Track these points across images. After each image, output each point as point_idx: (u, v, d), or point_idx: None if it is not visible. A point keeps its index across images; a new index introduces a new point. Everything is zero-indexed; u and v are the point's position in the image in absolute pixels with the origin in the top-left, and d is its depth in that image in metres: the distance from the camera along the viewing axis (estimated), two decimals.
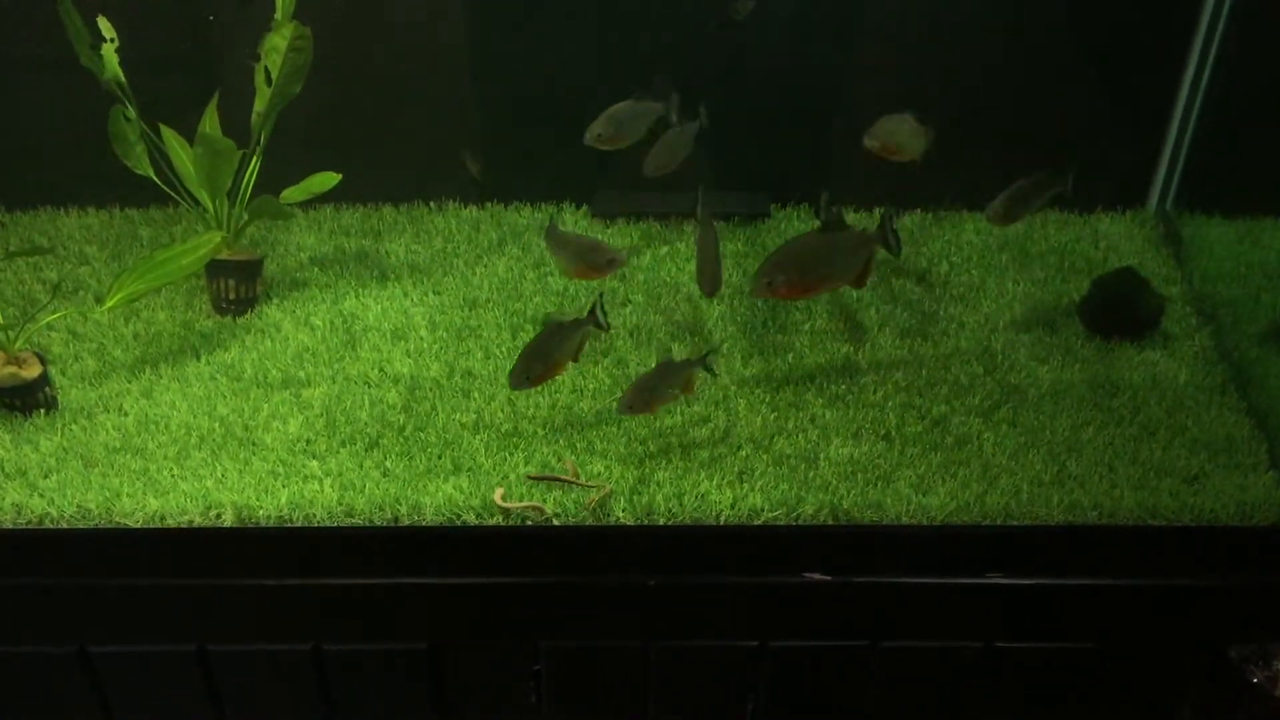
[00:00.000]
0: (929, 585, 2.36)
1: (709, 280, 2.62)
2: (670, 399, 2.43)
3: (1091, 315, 2.79)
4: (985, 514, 2.32)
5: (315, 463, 2.39)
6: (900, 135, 2.64)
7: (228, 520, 2.29)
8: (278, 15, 2.59)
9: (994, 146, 3.18)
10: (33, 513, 2.28)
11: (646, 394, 2.35)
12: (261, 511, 2.29)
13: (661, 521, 2.31)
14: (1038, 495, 2.33)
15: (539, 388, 2.52)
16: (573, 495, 2.32)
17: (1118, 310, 2.76)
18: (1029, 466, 2.40)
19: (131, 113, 2.66)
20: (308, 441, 2.45)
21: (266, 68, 2.63)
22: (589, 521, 2.30)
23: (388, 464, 2.39)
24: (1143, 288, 2.77)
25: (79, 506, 2.28)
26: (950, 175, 3.22)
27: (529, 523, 2.30)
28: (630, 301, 2.89)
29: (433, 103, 3.17)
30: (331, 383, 2.61)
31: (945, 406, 2.55)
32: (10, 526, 2.28)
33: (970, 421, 2.51)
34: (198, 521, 2.29)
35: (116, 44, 2.59)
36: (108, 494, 2.30)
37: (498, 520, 2.30)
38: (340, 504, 2.30)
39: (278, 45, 2.60)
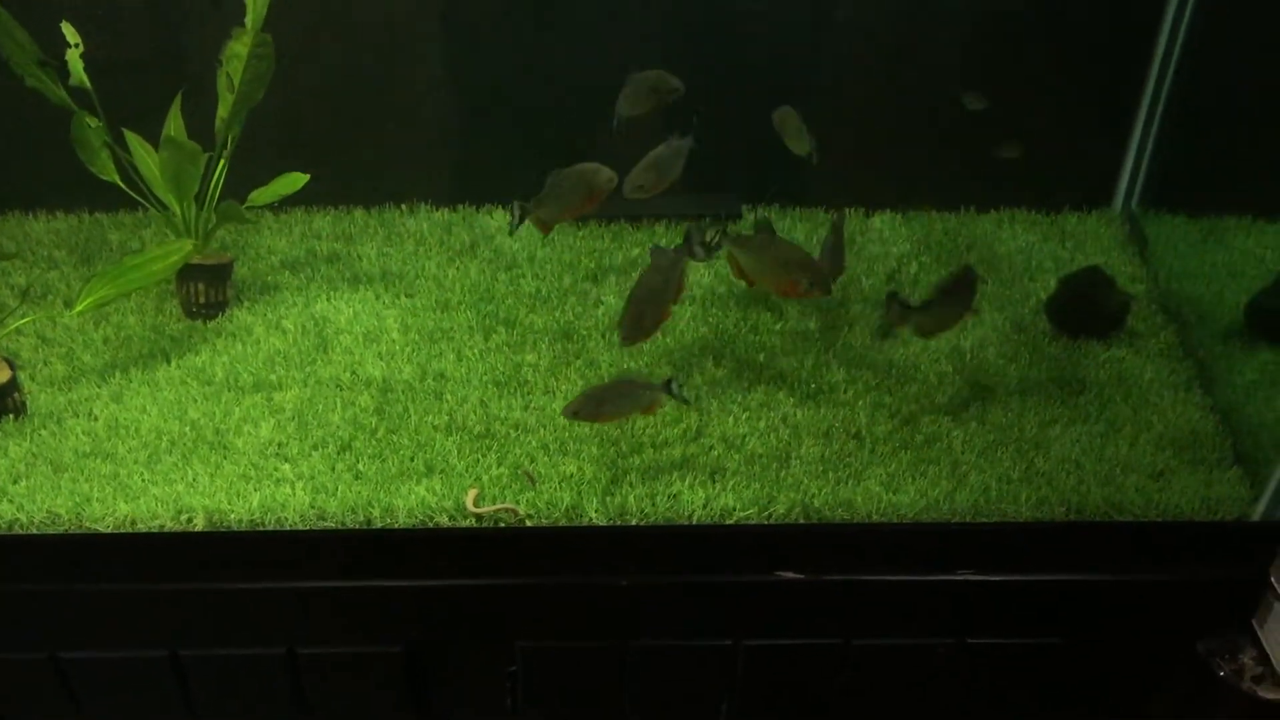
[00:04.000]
0: (900, 582, 2.37)
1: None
2: (623, 416, 2.39)
3: (1058, 313, 2.82)
4: (955, 511, 2.34)
5: (287, 466, 2.38)
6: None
7: (199, 524, 2.28)
8: (248, 22, 2.58)
9: (961, 148, 3.21)
10: (1, 518, 2.27)
11: (594, 405, 2.31)
12: (233, 515, 2.28)
13: (634, 522, 2.32)
14: (1006, 492, 2.36)
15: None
16: (544, 496, 2.32)
17: (1084, 308, 2.79)
18: (998, 464, 2.43)
19: (94, 120, 2.64)
20: (279, 445, 2.44)
21: (229, 74, 2.62)
22: (562, 522, 2.31)
23: (360, 466, 2.39)
24: (1109, 286, 2.80)
25: (48, 512, 2.27)
26: (919, 176, 3.26)
27: (502, 524, 2.30)
28: (602, 303, 2.90)
29: (406, 105, 3.17)
30: (303, 386, 2.61)
31: (915, 405, 2.57)
32: None
33: (939, 420, 2.54)
34: (169, 526, 2.28)
35: (81, 49, 2.58)
36: (77, 499, 2.29)
37: (471, 522, 2.30)
38: (312, 507, 2.29)
39: (239, 53, 2.59)
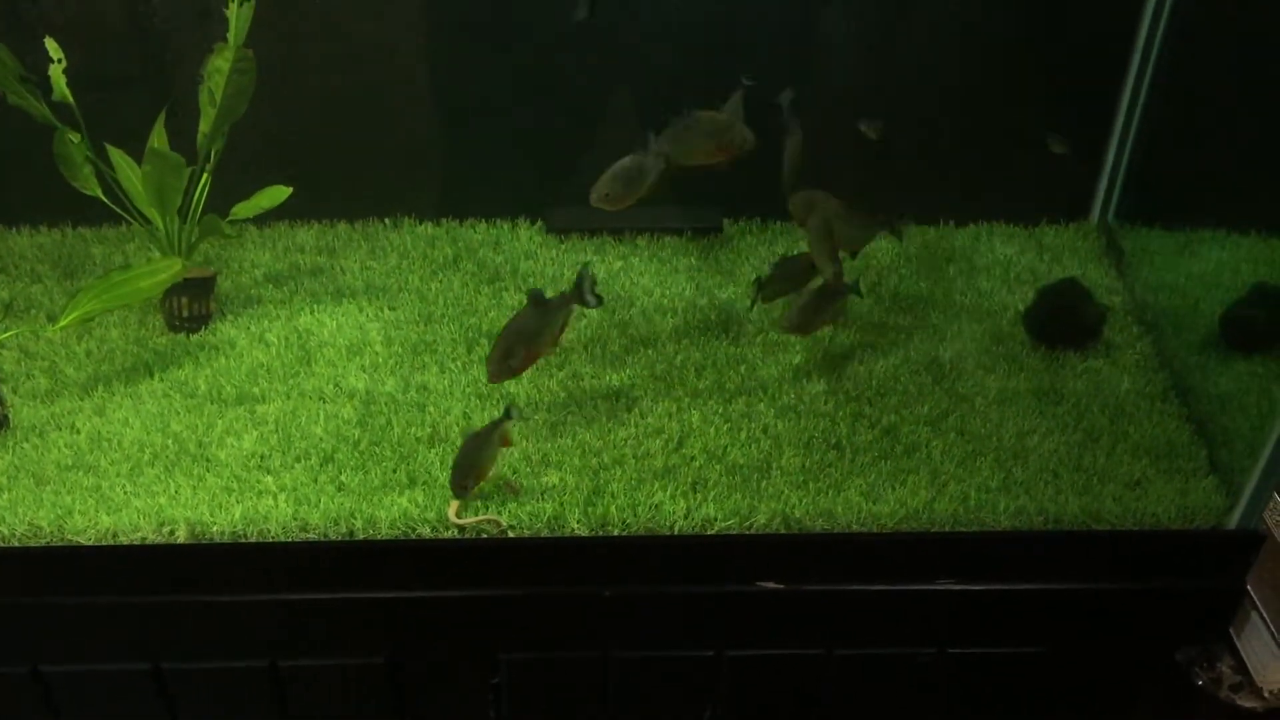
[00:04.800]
0: (881, 592, 2.39)
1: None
2: (494, 461, 2.38)
3: (1036, 325, 2.84)
4: (934, 521, 2.36)
5: (270, 478, 2.39)
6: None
7: (181, 537, 2.28)
8: (230, 37, 2.60)
9: (939, 161, 3.24)
10: None
11: (473, 473, 2.32)
12: (215, 527, 2.29)
13: (616, 532, 2.33)
14: (985, 502, 2.37)
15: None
16: (527, 508, 2.33)
17: (1062, 320, 2.81)
18: (976, 473, 2.45)
19: (76, 135, 2.65)
20: (262, 457, 2.45)
21: (210, 89, 2.63)
22: (545, 533, 2.32)
23: (343, 478, 2.39)
24: (1086, 298, 2.83)
25: (30, 524, 2.27)
26: (899, 190, 3.29)
27: (485, 535, 2.31)
28: (584, 315, 2.91)
29: (388, 119, 3.18)
30: (286, 398, 2.62)
31: (895, 416, 2.59)
32: None
33: (919, 430, 2.56)
34: (151, 538, 2.28)
35: (64, 65, 2.59)
36: (60, 511, 2.29)
37: (453, 533, 2.31)
38: (295, 519, 2.30)
39: (220, 68, 2.61)
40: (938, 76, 3.15)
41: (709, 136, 2.64)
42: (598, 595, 2.35)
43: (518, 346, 2.38)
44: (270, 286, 3.03)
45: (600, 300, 2.52)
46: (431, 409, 2.59)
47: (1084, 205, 3.34)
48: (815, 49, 3.15)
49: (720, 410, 2.60)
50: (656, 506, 2.34)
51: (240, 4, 2.58)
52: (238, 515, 2.29)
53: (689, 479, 2.41)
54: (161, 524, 2.28)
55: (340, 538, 2.30)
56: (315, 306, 2.94)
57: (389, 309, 2.94)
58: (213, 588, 2.31)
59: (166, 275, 2.62)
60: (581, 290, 2.48)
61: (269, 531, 2.29)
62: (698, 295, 3.00)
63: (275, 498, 2.33)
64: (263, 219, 2.98)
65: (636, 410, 2.60)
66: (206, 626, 2.36)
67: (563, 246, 3.21)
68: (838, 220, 2.65)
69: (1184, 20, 2.99)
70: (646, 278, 3.07)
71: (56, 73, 2.59)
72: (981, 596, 2.39)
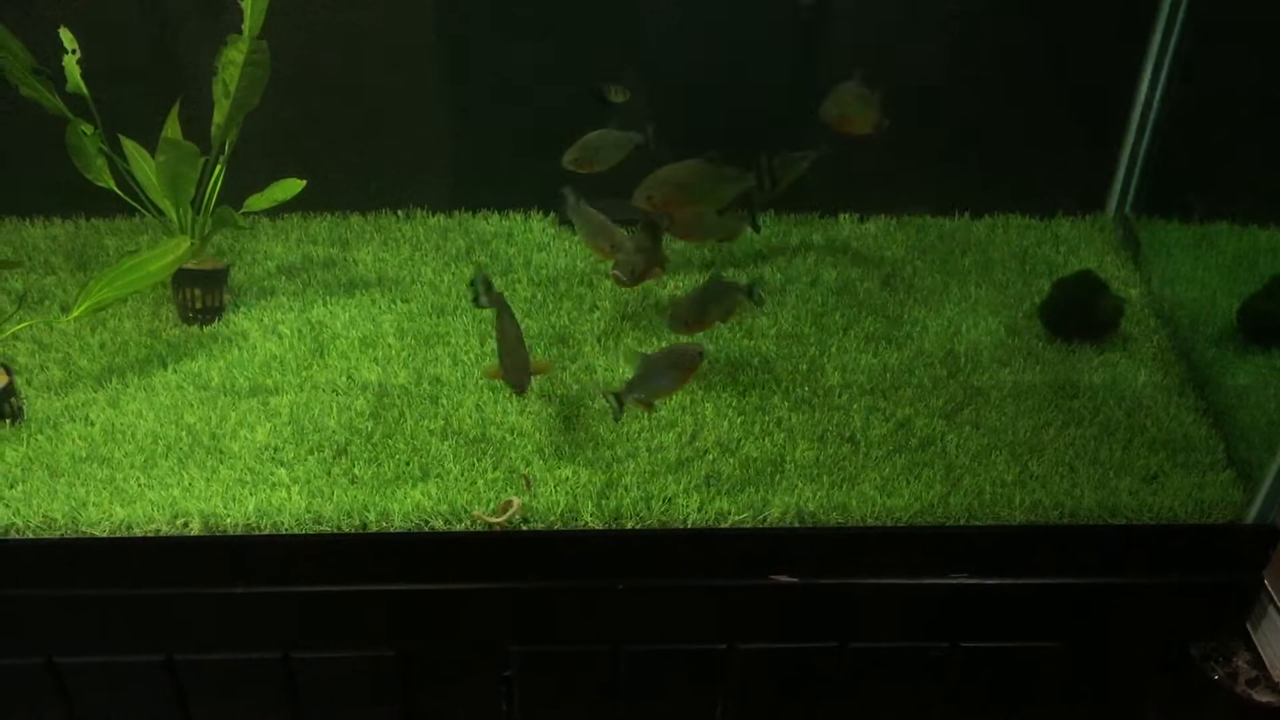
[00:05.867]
0: (895, 586, 2.38)
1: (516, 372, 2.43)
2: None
3: (1052, 317, 2.83)
4: (949, 515, 2.35)
5: (283, 470, 2.39)
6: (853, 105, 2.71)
7: (195, 529, 2.28)
8: (245, 29, 2.59)
9: (956, 153, 3.22)
10: None
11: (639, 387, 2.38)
12: (229, 519, 2.29)
13: (629, 525, 2.32)
14: (1000, 495, 2.36)
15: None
16: (540, 500, 2.33)
17: (1078, 312, 2.80)
18: (992, 467, 2.43)
19: (89, 127, 2.65)
20: (275, 449, 2.45)
21: (224, 80, 2.63)
22: (558, 526, 2.32)
23: (356, 471, 2.39)
24: (1102, 290, 2.81)
25: (45, 516, 2.28)
26: (914, 181, 3.28)
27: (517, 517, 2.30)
28: (597, 308, 2.91)
29: (401, 111, 3.18)
30: (299, 390, 2.62)
31: (909, 409, 2.58)
32: None
33: (934, 423, 2.54)
34: (165, 530, 2.28)
35: (79, 55, 2.59)
36: (74, 503, 2.30)
37: (465, 526, 2.31)
38: (308, 511, 2.30)
39: (234, 59, 2.60)
40: (954, 68, 3.13)
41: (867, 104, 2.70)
42: (610, 588, 2.35)
43: (523, 351, 2.40)
44: (283, 278, 3.03)
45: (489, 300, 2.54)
46: (444, 401, 2.58)
47: (1100, 197, 3.32)
48: (830, 43, 3.13)
49: (734, 403, 2.59)
50: (670, 500, 2.34)
51: None
52: (251, 507, 2.30)
53: (702, 472, 2.40)
54: (175, 516, 2.29)
55: (353, 530, 2.30)
56: (328, 298, 2.94)
57: (402, 301, 2.93)
58: (226, 580, 2.32)
59: (175, 255, 2.61)
60: (491, 292, 2.50)
61: (282, 524, 2.29)
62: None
63: (288, 490, 2.34)
64: (276, 211, 2.98)
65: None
66: (219, 618, 2.36)
67: (575, 238, 3.20)
68: (694, 176, 2.59)
69: (1202, 11, 2.97)
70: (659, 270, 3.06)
71: (71, 63, 2.59)
72: (996, 591, 2.38)
